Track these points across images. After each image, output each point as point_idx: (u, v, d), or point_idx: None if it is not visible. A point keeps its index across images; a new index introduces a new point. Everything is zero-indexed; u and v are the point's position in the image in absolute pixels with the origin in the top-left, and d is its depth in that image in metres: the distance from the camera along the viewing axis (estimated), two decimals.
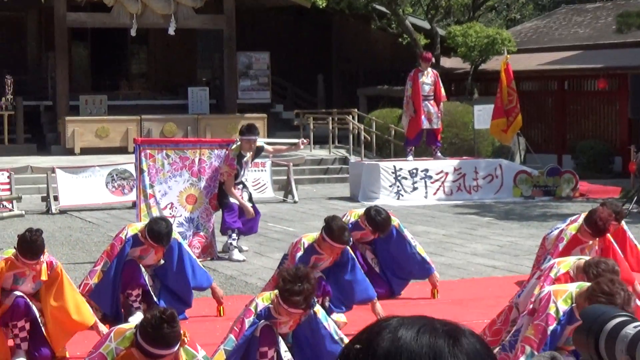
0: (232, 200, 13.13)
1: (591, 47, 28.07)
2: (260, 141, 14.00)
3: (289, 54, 30.65)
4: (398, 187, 19.67)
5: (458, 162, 20.37)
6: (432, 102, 19.27)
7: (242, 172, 13.34)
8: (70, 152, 25.66)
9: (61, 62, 26.81)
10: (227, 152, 13.21)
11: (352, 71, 32.17)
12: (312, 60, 31.27)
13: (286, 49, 30.64)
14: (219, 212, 13.45)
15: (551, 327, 6.29)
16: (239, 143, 13.27)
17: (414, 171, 19.78)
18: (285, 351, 7.11)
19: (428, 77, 19.30)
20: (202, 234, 13.14)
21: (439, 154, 20.12)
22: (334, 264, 9.22)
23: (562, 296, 6.40)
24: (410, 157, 20.02)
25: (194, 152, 13.25)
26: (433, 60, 20.33)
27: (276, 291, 7.06)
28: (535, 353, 6.24)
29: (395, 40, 28.80)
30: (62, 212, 18.20)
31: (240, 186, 13.41)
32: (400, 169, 19.73)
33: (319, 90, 30.92)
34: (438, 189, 19.89)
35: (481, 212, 18.24)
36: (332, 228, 8.88)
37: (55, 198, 18.29)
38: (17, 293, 8.34)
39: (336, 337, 7.29)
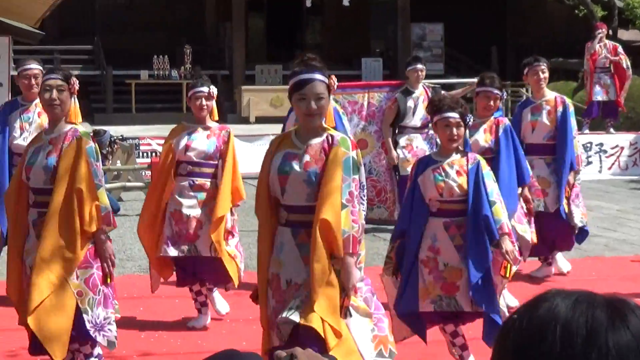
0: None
1: None
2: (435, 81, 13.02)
3: (462, 26, 30.45)
4: None
5: (634, 136, 19.92)
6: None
7: (412, 113, 12.17)
8: (246, 120, 26.21)
9: (238, 33, 27.40)
10: None
11: (526, 43, 31.71)
12: (485, 32, 31.00)
13: (459, 21, 30.46)
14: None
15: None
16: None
17: (589, 145, 19.44)
18: None
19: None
20: (374, 177, 12.35)
21: (611, 129, 19.79)
22: None
23: None
24: (586, 130, 19.75)
25: (362, 95, 12.68)
26: (605, 31, 19.96)
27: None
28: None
29: (572, 12, 28.26)
30: None
31: (418, 137, 12.24)
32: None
33: (493, 62, 30.66)
34: (613, 164, 19.51)
35: None
36: None
37: None
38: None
39: None
